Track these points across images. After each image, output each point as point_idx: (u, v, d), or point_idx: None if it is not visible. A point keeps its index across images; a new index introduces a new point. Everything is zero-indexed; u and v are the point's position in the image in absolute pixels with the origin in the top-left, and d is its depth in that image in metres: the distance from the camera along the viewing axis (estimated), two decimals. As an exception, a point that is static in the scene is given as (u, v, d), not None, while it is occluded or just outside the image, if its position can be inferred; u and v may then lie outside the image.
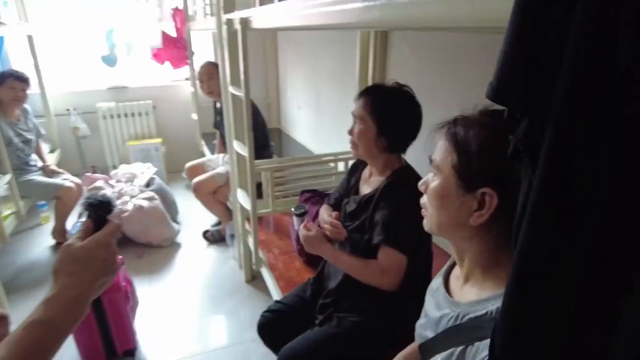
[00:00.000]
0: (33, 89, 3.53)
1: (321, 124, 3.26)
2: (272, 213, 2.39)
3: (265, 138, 2.82)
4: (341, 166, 2.51)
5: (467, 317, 0.69)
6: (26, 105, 2.90)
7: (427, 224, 0.78)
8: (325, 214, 1.48)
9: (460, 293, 0.77)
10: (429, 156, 0.76)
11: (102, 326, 1.75)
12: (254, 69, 4.11)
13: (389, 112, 1.25)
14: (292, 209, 1.85)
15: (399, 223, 1.20)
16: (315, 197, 2.04)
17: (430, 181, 0.75)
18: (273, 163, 2.50)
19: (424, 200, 0.78)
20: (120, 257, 1.93)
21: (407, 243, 1.20)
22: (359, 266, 1.26)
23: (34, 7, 3.49)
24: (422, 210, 0.79)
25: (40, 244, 2.92)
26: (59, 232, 2.84)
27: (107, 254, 0.64)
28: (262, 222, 2.37)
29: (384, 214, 1.23)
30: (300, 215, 1.81)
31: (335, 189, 1.60)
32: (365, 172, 1.43)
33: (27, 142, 2.84)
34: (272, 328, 1.45)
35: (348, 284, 1.31)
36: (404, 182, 1.23)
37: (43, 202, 3.09)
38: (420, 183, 0.79)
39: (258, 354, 1.90)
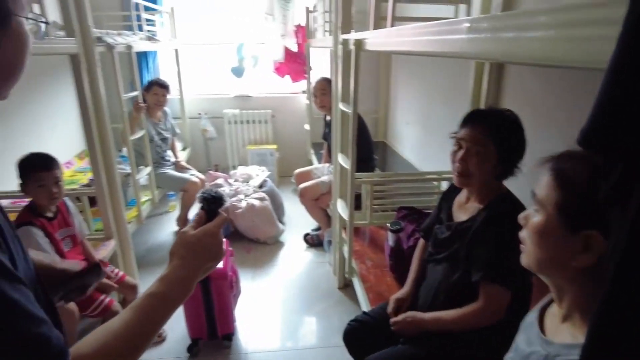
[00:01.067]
0: (173, 94, 4.11)
1: (427, 142, 3.21)
2: (369, 225, 2.44)
3: (368, 151, 2.89)
4: (444, 185, 2.46)
5: (557, 359, 0.66)
6: (166, 108, 3.38)
7: (525, 260, 0.74)
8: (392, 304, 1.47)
9: (555, 332, 0.73)
10: (532, 190, 0.73)
11: (207, 308, 1.97)
12: (366, 82, 4.22)
13: (510, 138, 1.19)
14: (388, 224, 1.88)
15: (503, 258, 1.14)
16: (413, 214, 2.04)
17: (531, 216, 0.73)
18: (374, 176, 2.55)
19: (523, 234, 0.76)
20: (230, 249, 2.14)
21: (512, 279, 1.15)
22: (462, 319, 1.22)
23: (181, 26, 4.08)
24: (522, 245, 0.77)
25: (167, 229, 3.37)
26: (182, 220, 3.25)
27: (214, 243, 0.73)
28: (358, 232, 2.43)
29: (486, 249, 1.17)
30: (396, 232, 1.84)
31: (429, 218, 1.57)
32: (461, 197, 1.38)
33: (164, 140, 3.32)
34: (356, 338, 1.49)
35: (439, 308, 1.29)
36: (506, 212, 1.17)
37: (172, 193, 3.56)
38: (521, 216, 0.76)
39: (342, 360, 1.96)
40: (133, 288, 2.07)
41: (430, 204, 2.39)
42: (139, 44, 2.83)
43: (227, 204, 0.82)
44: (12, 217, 1.78)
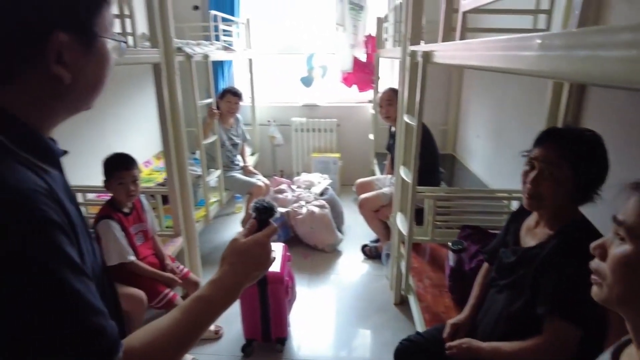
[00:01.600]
0: (245, 102, 4.29)
1: (499, 157, 3.04)
2: (430, 242, 2.36)
3: (434, 164, 2.80)
4: (515, 205, 2.30)
5: None
6: (238, 115, 3.54)
7: (601, 295, 0.67)
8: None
9: None
10: (614, 216, 0.66)
11: (263, 310, 2.02)
12: (436, 92, 4.11)
13: (589, 161, 1.09)
14: (449, 243, 1.81)
15: (574, 292, 1.02)
16: (477, 234, 1.93)
17: (614, 246, 0.65)
18: (438, 191, 2.46)
19: (597, 265, 0.68)
20: (288, 254, 2.18)
21: (583, 315, 1.04)
22: (522, 353, 1.13)
23: (255, 36, 4.27)
24: (593, 276, 0.69)
25: (232, 229, 3.52)
26: (246, 223, 3.37)
27: (262, 253, 0.75)
28: (418, 249, 2.36)
29: (554, 279, 1.08)
30: (457, 252, 1.76)
31: (495, 240, 1.48)
32: (530, 220, 1.29)
33: (235, 145, 3.47)
34: (408, 358, 1.45)
35: (499, 338, 1.21)
36: (580, 240, 1.06)
37: (239, 195, 3.72)
38: (594, 245, 0.68)
39: (393, 378, 1.90)
40: (195, 285, 2.18)
41: (498, 224, 2.25)
42: (216, 54, 3.00)
43: (277, 214, 0.83)
44: (96, 209, 1.97)
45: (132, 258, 1.88)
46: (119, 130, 3.43)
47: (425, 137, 2.64)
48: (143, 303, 1.84)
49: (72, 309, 0.47)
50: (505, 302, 1.23)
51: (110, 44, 0.58)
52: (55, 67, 0.51)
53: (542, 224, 1.22)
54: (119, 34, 1.82)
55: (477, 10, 1.20)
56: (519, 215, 1.36)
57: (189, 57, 2.42)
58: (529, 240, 1.26)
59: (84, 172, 2.39)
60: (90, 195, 2.52)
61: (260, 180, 3.45)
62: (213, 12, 3.16)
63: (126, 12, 1.93)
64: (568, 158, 1.09)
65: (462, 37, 1.22)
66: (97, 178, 1.96)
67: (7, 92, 0.50)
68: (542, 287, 1.11)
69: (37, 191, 0.47)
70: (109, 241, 1.80)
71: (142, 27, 2.18)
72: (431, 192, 2.37)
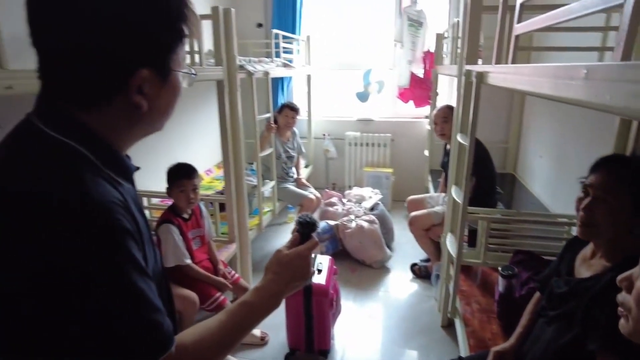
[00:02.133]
0: (302, 115, 4.42)
1: (562, 180, 2.88)
2: (482, 265, 2.28)
3: (490, 185, 2.71)
4: (575, 232, 2.17)
5: None
6: (295, 129, 3.66)
7: (627, 328, 0.64)
8: None
9: None
10: None
11: (307, 321, 2.06)
12: (497, 109, 3.99)
13: None
14: (499, 268, 1.74)
15: None
16: (531, 261, 1.85)
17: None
18: (493, 213, 2.38)
19: (623, 298, 0.66)
20: (335, 267, 2.21)
21: (638, 354, 0.98)
22: None
23: (315, 52, 4.40)
24: (620, 309, 0.67)
25: (282, 238, 3.61)
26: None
27: (303, 265, 0.80)
28: (469, 271, 2.29)
29: (609, 315, 1.00)
30: (507, 277, 1.70)
31: (548, 268, 1.41)
32: (587, 250, 1.22)
33: (290, 157, 3.58)
34: (449, 383, 1.42)
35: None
36: None
37: (291, 206, 3.81)
38: (620, 278, 0.66)
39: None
40: (244, 291, 2.26)
41: (555, 250, 2.13)
42: (276, 71, 3.14)
43: (319, 229, 0.88)
44: (159, 213, 2.13)
45: (188, 261, 2.00)
46: (184, 140, 3.67)
47: (481, 156, 2.57)
48: (195, 304, 1.95)
49: (135, 304, 0.55)
50: (554, 334, 1.18)
51: (181, 75, 0.66)
52: (136, 97, 0.60)
53: (598, 255, 1.16)
54: (187, 52, 1.97)
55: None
56: (576, 244, 1.30)
57: (250, 74, 2.56)
58: (583, 271, 1.20)
59: (150, 178, 2.60)
60: (155, 200, 2.73)
61: (312, 193, 3.52)
62: (275, 30, 3.31)
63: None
64: (625, 186, 1.04)
65: (514, 60, 1.20)
66: (161, 184, 2.12)
67: (95, 116, 0.59)
68: (594, 322, 1.05)
69: (114, 202, 0.55)
70: (168, 244, 1.94)
71: (208, 43, 2.35)
72: (485, 213, 2.30)
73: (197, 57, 2.07)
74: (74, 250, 0.50)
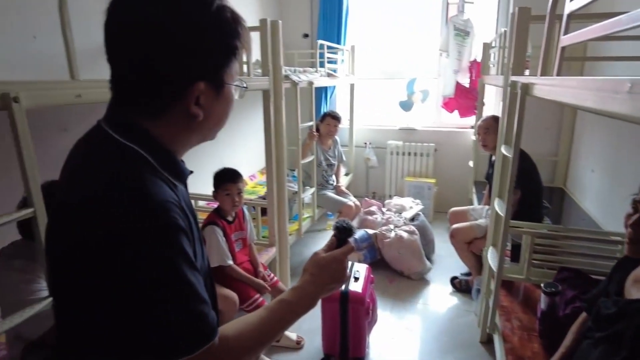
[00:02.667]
0: (344, 124, 4.46)
1: (616, 196, 2.73)
2: (524, 281, 2.20)
3: (536, 198, 2.62)
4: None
5: None
6: (336, 137, 3.70)
7: None
8: None
9: None
10: None
11: (343, 328, 2.07)
12: (546, 120, 3.85)
13: None
14: (542, 285, 1.69)
15: None
16: (577, 279, 1.77)
17: None
18: (538, 227, 2.30)
19: None
20: (372, 276, 2.22)
21: None
22: None
23: (359, 61, 4.44)
24: None
25: (321, 245, 3.61)
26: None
27: (339, 268, 0.83)
28: (511, 287, 2.23)
29: None
30: (550, 295, 1.64)
31: (597, 288, 1.36)
32: (638, 270, 1.17)
33: (330, 165, 3.63)
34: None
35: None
36: None
37: (330, 213, 3.85)
38: None
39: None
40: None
41: (605, 270, 2.03)
42: (319, 80, 3.21)
43: (356, 236, 0.91)
44: (205, 215, 2.23)
45: (230, 262, 2.08)
46: (230, 146, 3.81)
47: (527, 169, 2.50)
48: (235, 304, 2.02)
49: (185, 295, 0.60)
50: (600, 356, 1.13)
51: (233, 88, 0.73)
52: (193, 108, 0.66)
53: (649, 275, 1.11)
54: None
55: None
56: (627, 264, 1.25)
57: (295, 84, 2.64)
58: (634, 292, 1.15)
59: (198, 182, 2.73)
60: (201, 203, 2.86)
61: (350, 200, 3.54)
62: (320, 41, 3.39)
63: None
64: None
65: (559, 72, 1.17)
66: (207, 188, 2.23)
67: (156, 124, 0.66)
68: None
69: (171, 202, 0.61)
70: (212, 245, 2.04)
71: (256, 53, 2.44)
72: (530, 228, 2.23)
73: (245, 67, 2.17)
74: (134, 242, 0.56)
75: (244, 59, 2.17)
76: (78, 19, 1.38)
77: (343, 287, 2.09)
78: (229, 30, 0.66)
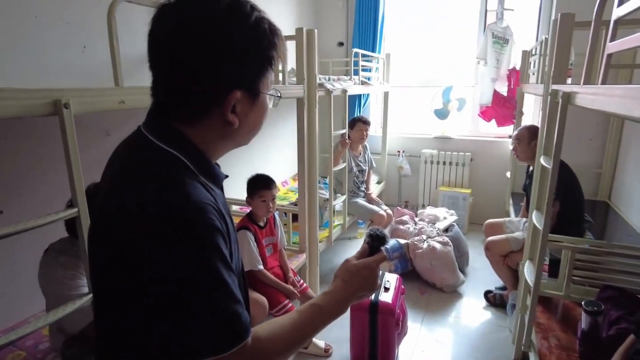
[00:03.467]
0: (377, 132, 4.44)
1: (667, 211, 2.57)
2: (564, 298, 2.10)
3: (576, 212, 2.50)
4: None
5: None
6: (366, 142, 3.69)
7: None
8: None
9: None
10: None
11: (372, 338, 2.05)
12: (591, 130, 3.70)
13: None
14: (583, 303, 1.61)
15: None
16: (622, 298, 1.67)
17: None
18: (579, 242, 2.19)
19: None
20: (403, 287, 2.19)
21: None
22: None
23: (394, 69, 4.41)
24: None
25: (351, 253, 3.58)
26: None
27: (370, 276, 0.83)
28: (549, 303, 2.13)
29: None
30: (592, 314, 1.56)
31: None
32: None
33: (361, 171, 3.61)
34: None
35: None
36: None
37: (361, 222, 3.83)
38: None
39: None
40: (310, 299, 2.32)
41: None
42: (353, 88, 3.22)
43: (388, 245, 0.91)
44: (237, 219, 2.28)
45: (261, 267, 2.11)
46: (264, 151, 3.87)
47: (568, 181, 2.40)
48: (265, 309, 2.05)
49: (221, 294, 0.61)
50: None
51: (268, 97, 0.75)
52: (229, 115, 0.69)
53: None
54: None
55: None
56: None
57: (329, 92, 2.66)
58: (685, 314, 1.07)
59: (232, 187, 2.79)
60: (235, 207, 2.91)
61: (382, 209, 3.51)
62: (355, 49, 3.40)
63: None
64: None
65: (604, 80, 1.12)
66: (240, 193, 2.27)
67: (194, 130, 0.69)
68: None
69: (209, 204, 0.63)
70: (243, 249, 2.07)
71: (291, 62, 2.48)
72: (570, 242, 2.13)
73: (280, 75, 2.21)
74: (173, 242, 0.58)
75: (280, 67, 2.21)
76: (124, 30, 1.46)
77: (373, 296, 2.07)
78: (266, 41, 0.68)
